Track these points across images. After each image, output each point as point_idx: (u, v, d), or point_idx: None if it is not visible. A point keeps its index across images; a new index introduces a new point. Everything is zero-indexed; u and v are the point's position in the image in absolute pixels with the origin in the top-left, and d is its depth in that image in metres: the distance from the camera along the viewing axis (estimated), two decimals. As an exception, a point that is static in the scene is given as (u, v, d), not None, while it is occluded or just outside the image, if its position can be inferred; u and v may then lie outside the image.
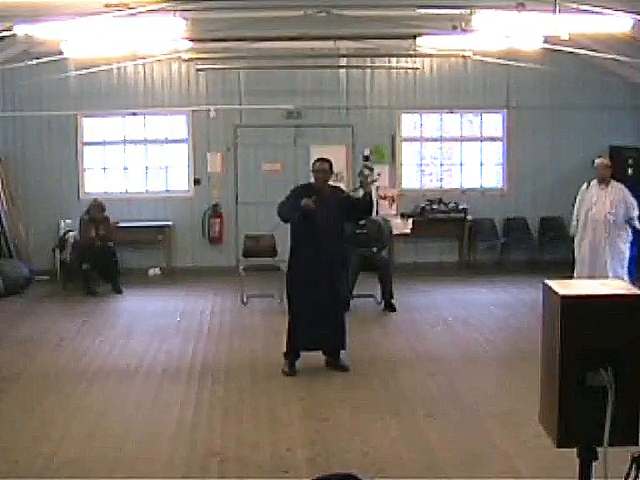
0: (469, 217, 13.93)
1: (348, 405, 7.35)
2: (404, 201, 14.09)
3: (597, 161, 10.58)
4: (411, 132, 14.36)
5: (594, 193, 10.38)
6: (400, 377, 8.23)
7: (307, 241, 8.11)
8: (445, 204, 13.94)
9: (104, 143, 14.06)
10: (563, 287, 3.20)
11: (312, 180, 8.44)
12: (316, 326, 8.13)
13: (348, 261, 11.22)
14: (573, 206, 10.82)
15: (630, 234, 10.40)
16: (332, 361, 8.38)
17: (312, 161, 8.62)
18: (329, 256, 8.14)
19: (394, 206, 14.08)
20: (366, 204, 8.40)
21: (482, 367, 8.50)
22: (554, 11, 7.24)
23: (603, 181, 10.35)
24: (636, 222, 10.31)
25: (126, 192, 13.99)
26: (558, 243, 13.25)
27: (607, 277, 9.97)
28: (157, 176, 14.13)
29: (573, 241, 10.80)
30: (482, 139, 14.45)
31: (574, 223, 10.69)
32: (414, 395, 7.62)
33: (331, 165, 8.41)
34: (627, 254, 10.41)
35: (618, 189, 10.39)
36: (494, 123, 14.39)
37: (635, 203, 10.37)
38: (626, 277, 10.18)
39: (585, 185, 10.59)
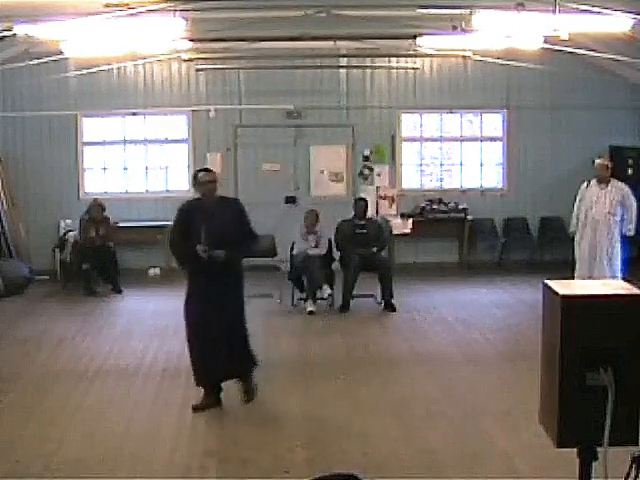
0: (469, 217, 13.93)
1: (348, 405, 7.35)
2: (404, 201, 14.09)
3: (597, 162, 10.62)
4: (411, 132, 14.36)
5: (594, 193, 10.40)
6: (400, 377, 8.23)
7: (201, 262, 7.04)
8: (445, 204, 13.94)
9: (104, 143, 14.06)
10: (563, 287, 3.20)
11: (199, 195, 7.29)
12: (222, 354, 7.12)
13: (347, 261, 11.26)
14: (573, 205, 10.84)
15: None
16: (243, 385, 7.33)
17: (194, 173, 7.50)
18: (224, 276, 7.11)
19: (394, 206, 14.08)
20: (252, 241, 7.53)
21: (482, 367, 8.50)
22: (554, 11, 7.25)
23: (602, 181, 10.37)
24: (632, 232, 10.35)
25: (126, 192, 13.99)
26: (558, 243, 13.26)
27: (606, 277, 9.98)
28: (157, 176, 14.13)
29: (573, 240, 10.82)
30: (482, 139, 14.45)
31: (574, 222, 10.72)
32: (414, 395, 7.62)
33: (215, 175, 7.41)
34: (620, 254, 10.43)
35: (618, 189, 10.40)
36: (494, 123, 14.39)
37: (635, 207, 10.36)
38: (619, 275, 10.20)
39: (585, 184, 10.61)
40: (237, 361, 7.23)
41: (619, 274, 10.27)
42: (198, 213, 7.15)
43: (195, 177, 7.31)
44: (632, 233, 10.46)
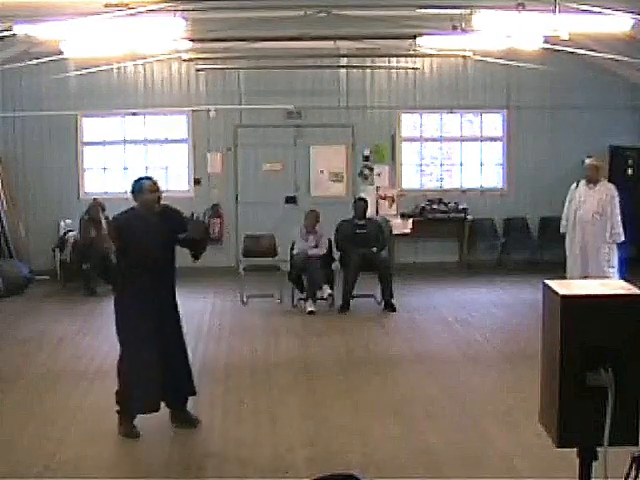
0: (469, 217, 13.93)
1: (348, 405, 7.35)
2: (404, 201, 14.09)
3: (587, 161, 10.56)
4: (411, 132, 14.35)
5: (582, 193, 10.38)
6: (400, 377, 8.23)
7: (135, 274, 6.57)
8: (445, 204, 13.94)
9: (104, 143, 14.06)
10: (563, 287, 3.20)
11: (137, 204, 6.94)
12: (156, 380, 6.53)
13: (347, 261, 11.27)
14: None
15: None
16: (179, 415, 6.79)
17: (136, 181, 7.00)
18: (163, 291, 6.66)
19: (394, 206, 14.08)
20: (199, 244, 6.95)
21: (482, 367, 8.50)
22: (554, 11, 7.24)
23: (591, 182, 10.35)
24: (621, 237, 10.31)
25: (126, 192, 13.83)
26: (558, 243, 13.18)
27: (598, 277, 9.94)
28: (157, 176, 14.06)
29: (564, 239, 10.79)
30: (482, 139, 14.45)
31: (563, 222, 10.71)
32: (414, 395, 7.62)
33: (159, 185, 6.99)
34: (615, 254, 10.35)
35: (606, 188, 10.35)
36: (494, 123, 14.39)
37: (617, 212, 10.31)
38: (615, 276, 10.15)
39: (574, 185, 10.59)
40: (175, 385, 6.70)
41: (612, 274, 10.20)
42: (140, 225, 6.68)
43: (140, 185, 6.78)
44: (621, 239, 10.38)
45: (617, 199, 10.35)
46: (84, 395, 7.68)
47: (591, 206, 10.26)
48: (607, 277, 9.94)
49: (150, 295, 6.55)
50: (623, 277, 10.00)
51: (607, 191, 10.33)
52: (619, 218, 10.30)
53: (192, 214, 7.50)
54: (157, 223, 6.73)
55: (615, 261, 10.34)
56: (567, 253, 10.59)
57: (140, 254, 6.55)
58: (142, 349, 6.50)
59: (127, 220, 6.77)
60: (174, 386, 6.71)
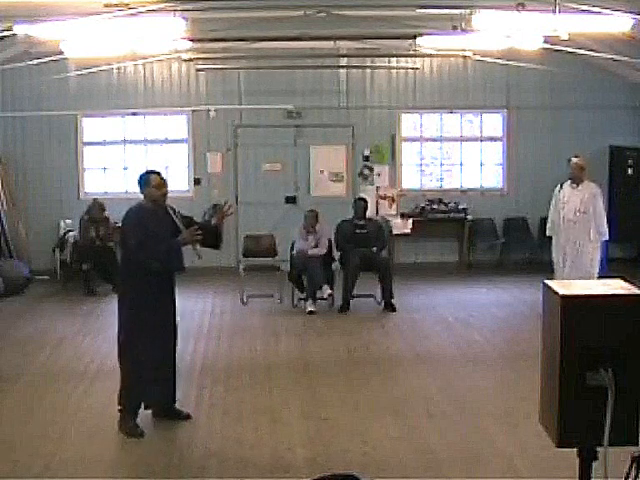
0: (469, 217, 13.93)
1: (348, 405, 7.35)
2: (404, 201, 14.09)
3: (573, 160, 10.52)
4: (411, 132, 14.35)
5: (566, 193, 10.37)
6: (400, 377, 8.23)
7: (149, 274, 6.61)
8: (445, 204, 13.94)
9: (104, 143, 14.06)
10: (563, 287, 3.20)
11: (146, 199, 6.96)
12: (160, 373, 6.75)
13: (347, 261, 11.27)
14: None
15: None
16: (169, 410, 6.94)
17: (144, 174, 7.01)
18: (170, 284, 6.84)
19: (394, 206, 14.08)
20: (213, 233, 7.07)
21: (482, 367, 8.50)
22: (554, 11, 7.24)
23: (575, 182, 10.33)
24: (605, 236, 10.29)
25: (126, 192, 13.94)
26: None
27: (581, 277, 9.91)
28: (157, 176, 14.10)
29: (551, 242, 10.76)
30: (482, 139, 14.44)
31: (549, 225, 10.72)
32: (414, 395, 7.62)
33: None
34: (598, 253, 10.31)
35: (589, 187, 10.33)
36: (494, 123, 14.39)
37: (601, 210, 10.28)
38: (595, 276, 10.13)
39: (558, 187, 10.59)
40: (171, 384, 6.88)
41: (595, 274, 10.16)
42: (150, 220, 6.75)
43: (147, 178, 6.82)
44: (606, 237, 10.36)
45: (600, 198, 10.33)
46: (84, 395, 7.68)
47: (574, 205, 10.26)
48: (590, 277, 9.94)
49: (159, 289, 6.67)
50: (603, 276, 9.96)
51: (590, 190, 10.31)
52: (604, 216, 10.29)
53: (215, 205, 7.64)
54: (165, 217, 6.86)
55: (598, 260, 10.29)
56: (553, 255, 10.57)
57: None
58: (150, 342, 6.59)
59: (143, 213, 6.86)
60: (172, 381, 6.88)
